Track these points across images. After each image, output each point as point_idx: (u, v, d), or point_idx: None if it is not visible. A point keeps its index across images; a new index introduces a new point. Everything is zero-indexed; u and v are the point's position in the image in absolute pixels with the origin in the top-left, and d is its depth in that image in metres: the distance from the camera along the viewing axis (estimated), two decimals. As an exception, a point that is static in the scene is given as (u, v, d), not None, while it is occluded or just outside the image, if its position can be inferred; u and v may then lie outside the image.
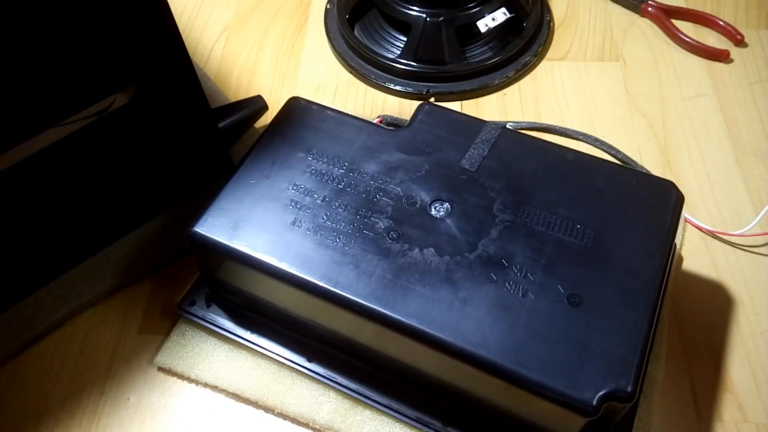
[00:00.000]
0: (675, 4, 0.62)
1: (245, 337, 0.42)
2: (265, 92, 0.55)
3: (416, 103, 0.44)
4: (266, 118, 0.54)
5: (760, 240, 0.48)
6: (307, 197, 0.38)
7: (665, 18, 0.61)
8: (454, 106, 0.57)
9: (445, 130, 0.41)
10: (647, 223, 0.37)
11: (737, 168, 0.52)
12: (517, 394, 0.33)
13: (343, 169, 0.39)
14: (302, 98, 0.44)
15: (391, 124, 0.54)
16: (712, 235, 0.48)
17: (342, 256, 0.36)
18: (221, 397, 0.42)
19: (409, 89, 0.58)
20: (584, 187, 0.39)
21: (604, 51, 0.60)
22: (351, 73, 0.60)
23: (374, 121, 0.47)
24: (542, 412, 0.34)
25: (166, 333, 0.44)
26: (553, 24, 0.63)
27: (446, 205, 0.38)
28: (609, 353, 0.32)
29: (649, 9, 0.62)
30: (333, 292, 0.35)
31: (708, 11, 0.62)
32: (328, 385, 0.41)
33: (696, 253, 0.48)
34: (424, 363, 0.37)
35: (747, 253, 0.48)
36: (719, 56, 0.59)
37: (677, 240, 0.46)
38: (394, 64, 0.58)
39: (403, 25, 0.59)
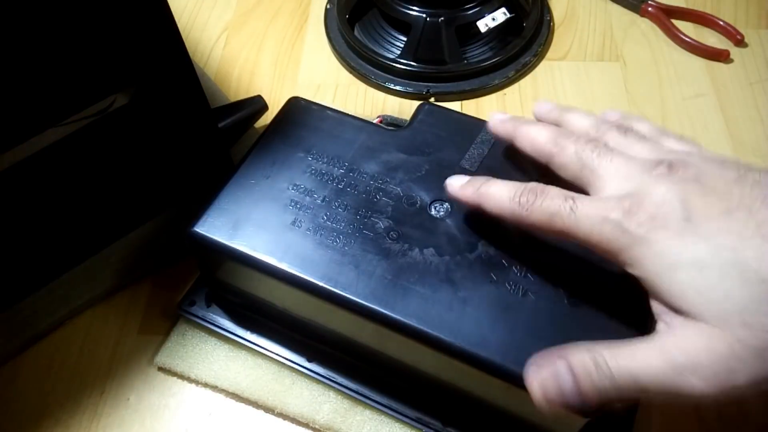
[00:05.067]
0: (675, 4, 0.62)
1: (245, 337, 0.42)
2: (265, 92, 0.55)
3: (416, 103, 0.44)
4: (266, 118, 0.54)
5: (760, 240, 0.48)
6: (307, 197, 0.38)
7: (665, 18, 0.61)
8: (454, 106, 0.57)
9: (445, 130, 0.41)
10: (647, 223, 0.37)
11: (737, 168, 0.52)
12: (517, 394, 0.33)
13: (343, 169, 0.39)
14: (302, 98, 0.44)
15: (391, 124, 0.54)
16: (712, 235, 0.48)
17: (342, 256, 0.36)
18: (221, 397, 0.42)
19: (409, 89, 0.58)
20: (584, 187, 0.39)
21: (604, 51, 0.60)
22: (351, 73, 0.60)
23: (374, 121, 0.47)
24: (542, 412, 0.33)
25: (166, 333, 0.44)
26: (553, 24, 0.63)
27: (446, 205, 0.38)
28: (609, 353, 0.32)
29: (649, 9, 0.62)
30: (333, 292, 0.35)
31: (708, 11, 0.62)
32: (328, 385, 0.41)
33: (696, 253, 0.47)
34: (424, 363, 0.37)
35: (747, 253, 0.47)
36: (719, 56, 0.58)
37: (677, 240, 0.46)
38: (394, 64, 0.58)
39: (403, 25, 0.59)
